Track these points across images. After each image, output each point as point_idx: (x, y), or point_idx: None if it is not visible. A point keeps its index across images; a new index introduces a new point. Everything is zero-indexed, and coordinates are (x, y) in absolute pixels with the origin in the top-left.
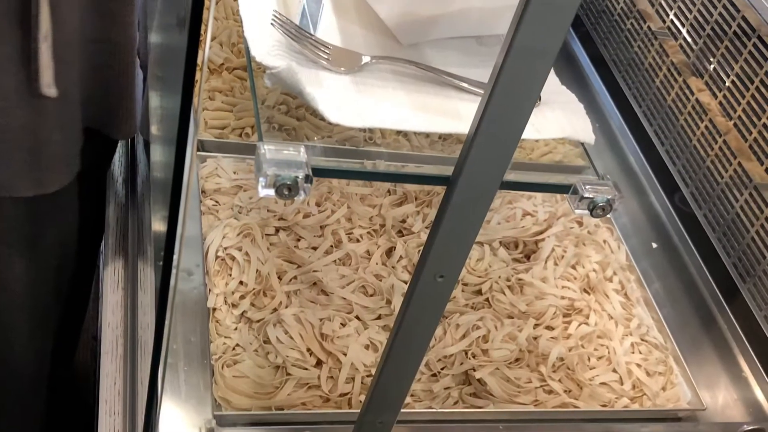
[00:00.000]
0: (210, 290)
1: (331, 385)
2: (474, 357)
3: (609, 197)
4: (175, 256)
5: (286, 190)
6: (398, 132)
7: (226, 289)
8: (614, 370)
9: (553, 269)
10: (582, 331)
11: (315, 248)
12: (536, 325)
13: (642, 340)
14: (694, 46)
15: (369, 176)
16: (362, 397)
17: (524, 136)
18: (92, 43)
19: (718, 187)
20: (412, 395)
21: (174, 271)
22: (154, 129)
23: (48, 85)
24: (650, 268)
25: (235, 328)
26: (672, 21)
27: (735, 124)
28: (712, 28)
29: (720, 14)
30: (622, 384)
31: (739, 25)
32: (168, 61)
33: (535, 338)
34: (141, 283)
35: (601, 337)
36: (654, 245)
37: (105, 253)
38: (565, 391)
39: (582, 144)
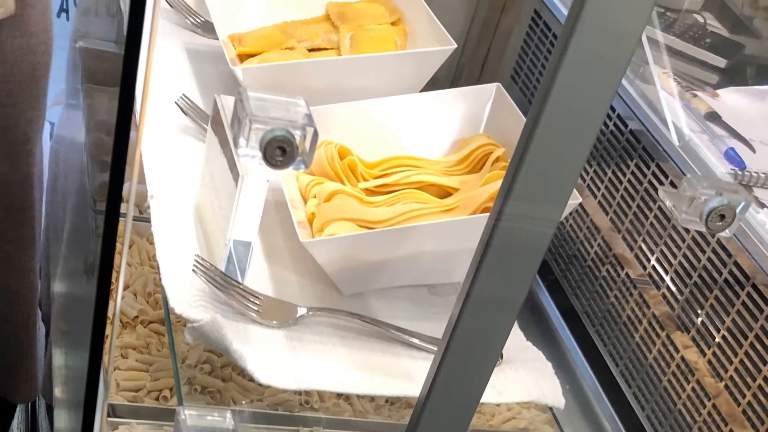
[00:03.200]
0: None
1: None
2: None
3: None
4: None
5: None
6: (339, 395)
7: None
8: None
9: None
10: None
11: None
12: None
13: None
14: (679, 296)
15: None
16: None
17: (484, 399)
18: None
19: None
20: None
21: None
22: (58, 391)
23: None
24: None
25: None
26: (654, 267)
27: (726, 386)
28: (700, 276)
29: (709, 259)
30: None
31: (730, 272)
32: (74, 313)
33: None
34: None
35: None
36: None
37: None
38: None
39: (550, 408)
